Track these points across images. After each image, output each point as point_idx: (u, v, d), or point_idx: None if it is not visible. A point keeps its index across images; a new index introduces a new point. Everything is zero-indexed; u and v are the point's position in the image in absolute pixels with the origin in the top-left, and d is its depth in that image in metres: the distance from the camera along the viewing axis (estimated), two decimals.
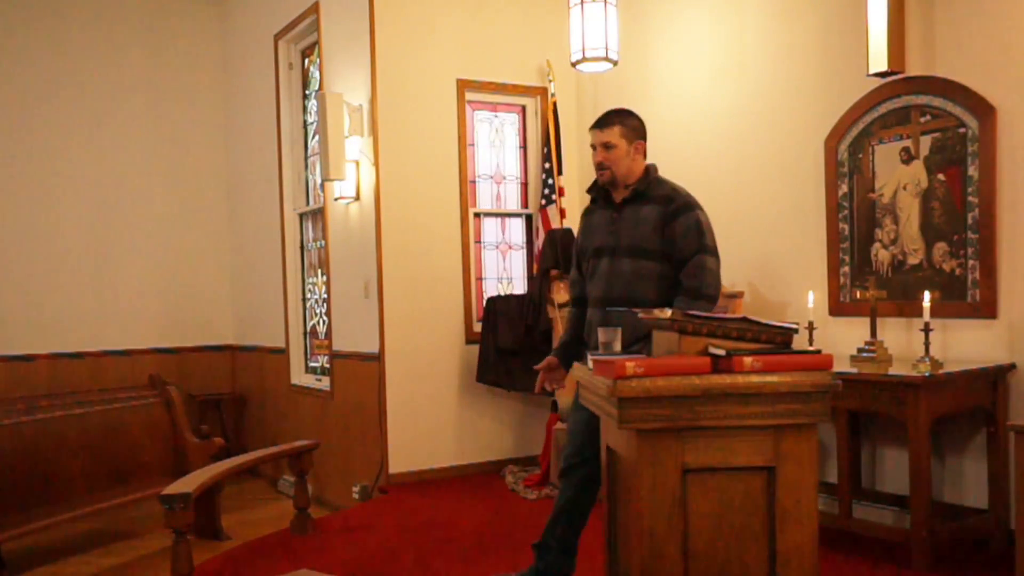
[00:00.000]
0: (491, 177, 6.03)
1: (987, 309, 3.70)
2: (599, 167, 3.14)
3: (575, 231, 5.66)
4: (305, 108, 6.82)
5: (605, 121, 3.15)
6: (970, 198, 3.76)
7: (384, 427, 5.37)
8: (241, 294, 7.78)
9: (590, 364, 2.33)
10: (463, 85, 5.70)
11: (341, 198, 5.76)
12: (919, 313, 3.69)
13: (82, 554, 5.19)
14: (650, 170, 3.15)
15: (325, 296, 6.29)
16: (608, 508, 2.44)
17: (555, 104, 5.85)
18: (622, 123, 3.12)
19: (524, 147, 6.14)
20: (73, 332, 7.13)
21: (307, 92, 6.79)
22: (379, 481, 5.39)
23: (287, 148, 6.82)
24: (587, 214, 3.34)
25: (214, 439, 5.77)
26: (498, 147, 6.05)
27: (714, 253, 3.01)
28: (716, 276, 3.00)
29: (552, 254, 5.55)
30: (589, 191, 3.29)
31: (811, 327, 4.07)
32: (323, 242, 6.25)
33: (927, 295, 3.65)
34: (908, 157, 4.01)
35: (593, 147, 3.16)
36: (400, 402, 5.40)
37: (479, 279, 5.91)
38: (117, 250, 7.39)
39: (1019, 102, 3.61)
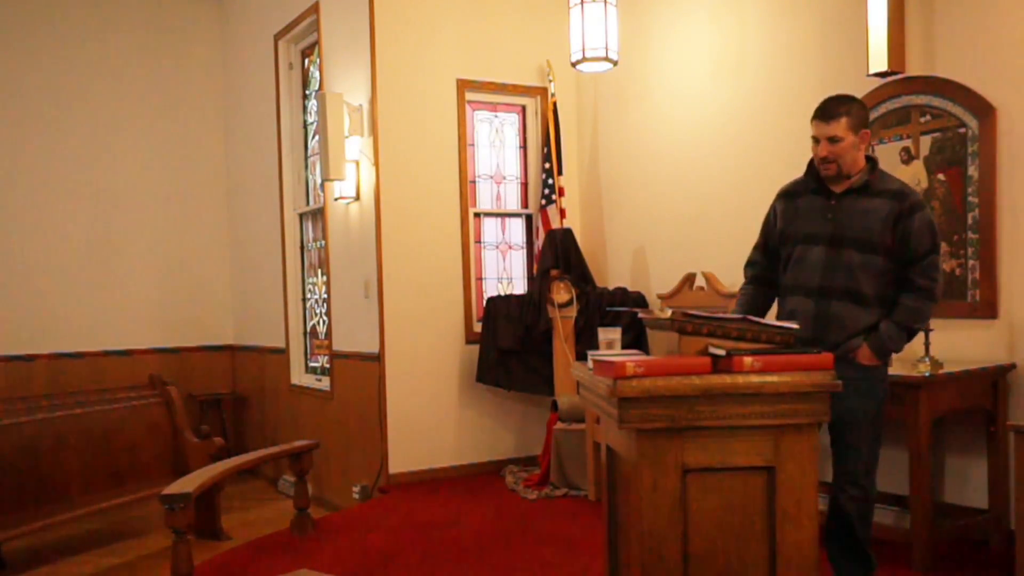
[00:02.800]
0: (491, 177, 6.03)
1: (987, 309, 3.70)
2: (823, 161, 2.91)
3: (575, 231, 5.76)
4: (305, 108, 6.82)
5: (831, 112, 2.90)
6: (970, 198, 3.76)
7: (384, 427, 5.37)
8: (241, 294, 7.78)
9: (590, 364, 2.33)
10: (463, 85, 5.70)
11: (341, 198, 5.76)
12: None
13: (82, 554, 5.19)
14: (875, 161, 2.97)
15: (325, 296, 6.29)
16: (608, 508, 2.44)
17: (555, 104, 5.85)
18: (849, 114, 2.87)
19: (524, 147, 6.14)
20: (73, 332, 7.13)
21: (307, 92, 6.79)
22: (379, 481, 5.39)
23: (287, 148, 6.82)
24: (790, 197, 3.09)
25: (214, 439, 5.77)
26: (498, 147, 6.05)
27: (940, 253, 2.94)
28: (942, 276, 3.00)
29: (552, 254, 5.55)
30: (807, 175, 3.05)
31: None
32: (323, 242, 6.25)
33: None
34: (908, 157, 4.00)
35: (815, 139, 2.92)
36: (400, 402, 5.40)
37: (479, 279, 5.91)
38: (117, 250, 7.39)
39: (1019, 102, 3.61)
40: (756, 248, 3.23)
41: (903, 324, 2.88)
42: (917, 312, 2.88)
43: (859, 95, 4.16)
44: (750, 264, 3.26)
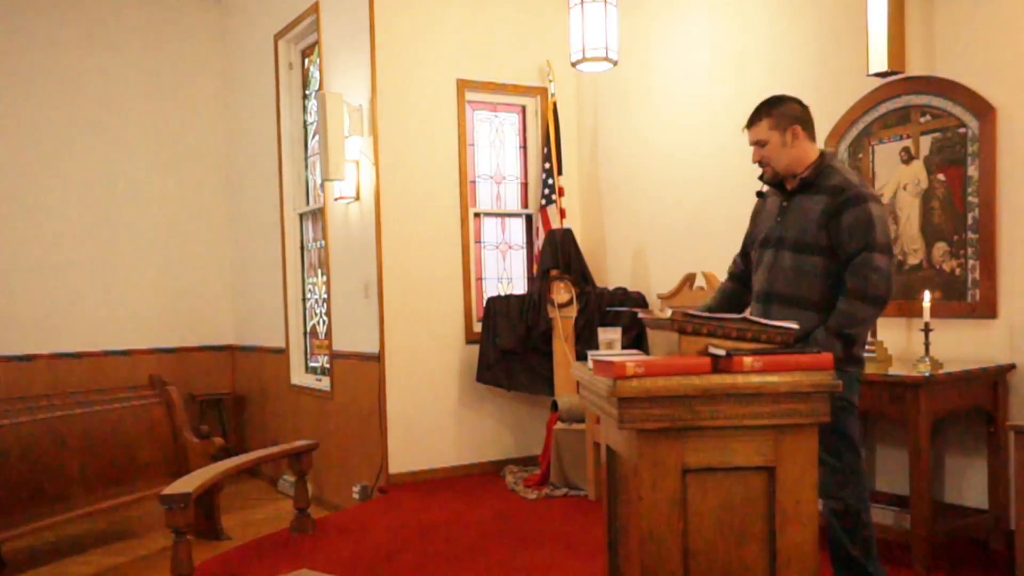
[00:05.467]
0: (491, 177, 6.03)
1: (987, 309, 3.70)
2: (759, 165, 2.98)
3: (575, 231, 5.75)
4: (305, 108, 6.82)
5: (751, 118, 2.98)
6: (970, 198, 3.76)
7: (384, 427, 5.37)
8: (241, 294, 7.77)
9: (590, 364, 2.33)
10: (463, 85, 5.70)
11: (341, 198, 5.76)
12: (919, 313, 3.69)
13: (82, 554, 5.19)
14: (824, 157, 2.91)
15: (325, 296, 6.29)
16: (608, 508, 2.44)
17: (555, 104, 5.85)
18: (769, 115, 2.92)
19: (524, 147, 6.14)
20: (73, 332, 7.14)
21: (307, 92, 6.79)
22: (379, 481, 5.39)
23: (287, 148, 6.82)
24: (762, 197, 3.14)
25: (214, 439, 5.77)
26: (498, 147, 6.05)
27: (885, 251, 2.75)
28: (885, 275, 2.74)
29: (552, 254, 5.55)
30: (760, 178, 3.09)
31: None
32: (323, 242, 6.25)
33: (927, 295, 3.65)
34: (908, 157, 4.00)
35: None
36: (400, 402, 5.40)
37: (479, 279, 5.91)
38: (117, 250, 7.39)
39: (1019, 102, 3.60)
40: (740, 251, 3.28)
41: (834, 330, 2.75)
42: (848, 317, 2.74)
43: (859, 95, 4.18)
44: (733, 263, 3.31)
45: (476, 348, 5.56)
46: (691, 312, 2.13)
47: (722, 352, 2.03)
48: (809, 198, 2.86)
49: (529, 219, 6.13)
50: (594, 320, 5.31)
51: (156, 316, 7.54)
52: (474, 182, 5.90)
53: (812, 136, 2.95)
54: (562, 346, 5.42)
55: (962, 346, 3.79)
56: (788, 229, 2.89)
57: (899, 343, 3.99)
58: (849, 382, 2.77)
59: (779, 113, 2.90)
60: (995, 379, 3.61)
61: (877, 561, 2.87)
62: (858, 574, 2.85)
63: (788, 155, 2.90)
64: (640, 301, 5.45)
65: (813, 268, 2.81)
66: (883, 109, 4.09)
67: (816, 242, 2.81)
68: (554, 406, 5.28)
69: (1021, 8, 3.60)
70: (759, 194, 3.13)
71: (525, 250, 6.14)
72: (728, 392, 1.96)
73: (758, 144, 2.94)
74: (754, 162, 2.98)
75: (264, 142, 7.05)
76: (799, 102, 2.96)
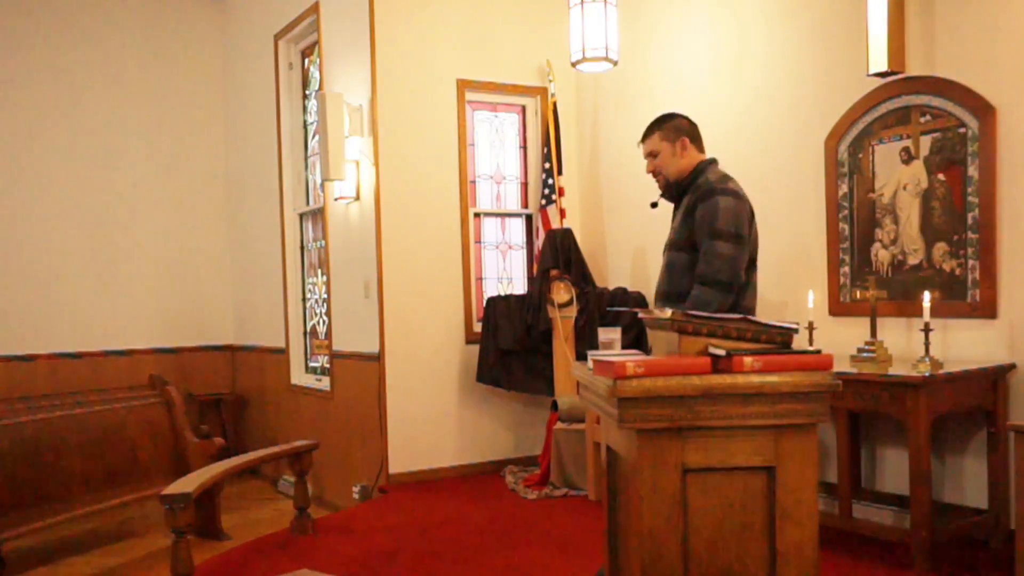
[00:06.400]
0: (491, 177, 6.03)
1: (987, 309, 3.70)
2: (653, 176, 3.23)
3: (575, 231, 5.75)
4: (305, 108, 6.82)
5: (644, 133, 3.25)
6: (970, 198, 3.76)
7: (384, 427, 5.37)
8: (241, 294, 7.78)
9: (590, 364, 2.33)
10: (463, 85, 5.70)
11: (341, 198, 5.76)
12: (919, 313, 3.69)
13: (82, 554, 5.19)
14: (699, 164, 3.16)
15: (325, 296, 6.29)
16: (608, 508, 2.44)
17: (555, 104, 5.85)
18: (660, 128, 3.20)
19: (524, 147, 6.14)
20: (73, 332, 7.13)
21: (307, 92, 6.79)
22: (379, 481, 5.40)
23: (287, 148, 6.82)
24: (654, 207, 3.45)
25: (214, 439, 5.77)
26: (498, 147, 6.05)
27: (728, 238, 2.94)
28: (729, 261, 2.93)
29: (552, 254, 5.55)
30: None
31: (811, 327, 4.07)
32: (323, 242, 6.25)
33: (927, 295, 3.65)
34: (908, 157, 4.01)
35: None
36: (400, 402, 5.40)
37: (479, 279, 5.91)
38: (117, 250, 7.39)
39: (1019, 102, 3.61)
40: None
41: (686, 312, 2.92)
42: (696, 301, 2.91)
43: (859, 95, 4.19)
44: None
45: (476, 348, 5.56)
46: (691, 312, 2.13)
47: (722, 352, 2.03)
48: (684, 200, 3.13)
49: (529, 219, 6.13)
50: (594, 320, 5.31)
51: (156, 316, 7.54)
52: (474, 182, 5.90)
53: (700, 148, 3.22)
54: (562, 346, 5.42)
55: (962, 346, 3.79)
56: (672, 232, 3.16)
57: (899, 343, 4.00)
58: None
59: (669, 127, 3.19)
60: (995, 379, 3.62)
61: None
62: None
63: (677, 165, 3.17)
64: (640, 301, 5.45)
65: (682, 263, 3.05)
66: (883, 109, 4.09)
67: (683, 238, 3.05)
68: (554, 406, 5.28)
69: (1021, 8, 3.60)
70: (653, 204, 3.39)
71: (525, 250, 6.15)
72: (728, 392, 1.96)
73: (651, 155, 3.22)
74: (647, 172, 3.26)
75: (264, 142, 7.05)
76: (687, 118, 3.24)
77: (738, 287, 2.95)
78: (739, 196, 3.02)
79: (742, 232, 2.97)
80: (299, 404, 6.60)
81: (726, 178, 3.09)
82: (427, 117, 5.57)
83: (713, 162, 3.18)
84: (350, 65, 5.70)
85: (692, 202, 3.04)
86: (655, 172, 3.22)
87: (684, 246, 3.05)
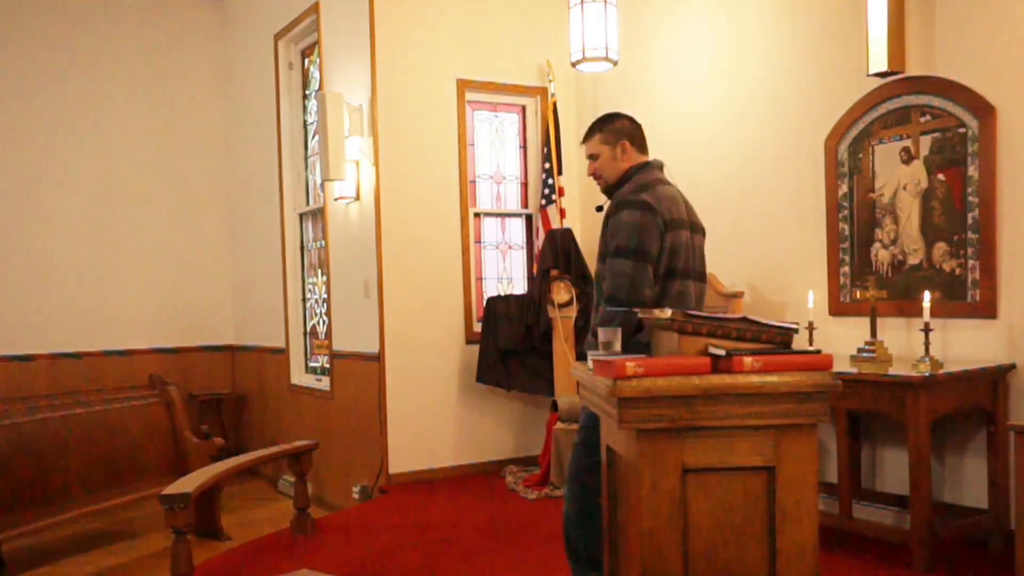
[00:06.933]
0: (491, 177, 6.03)
1: (987, 309, 3.70)
2: (594, 178, 3.15)
3: (575, 231, 5.75)
4: (305, 108, 6.82)
5: (586, 134, 3.16)
6: (970, 198, 3.76)
7: (384, 427, 5.37)
8: (241, 294, 7.78)
9: (590, 364, 2.33)
10: (463, 85, 5.70)
11: (341, 198, 5.76)
12: (919, 313, 3.69)
13: (82, 554, 5.19)
14: (629, 170, 3.05)
15: (325, 296, 6.29)
16: (608, 508, 2.44)
17: (555, 104, 5.85)
18: (601, 130, 3.10)
19: (524, 147, 6.14)
20: (73, 332, 7.13)
21: (307, 92, 6.79)
22: (379, 481, 5.39)
23: (287, 148, 6.82)
24: (599, 210, 3.30)
25: (214, 439, 5.77)
26: (498, 147, 6.05)
27: (627, 254, 2.80)
28: (630, 278, 2.79)
29: (552, 254, 5.55)
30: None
31: (811, 327, 4.08)
32: (323, 242, 6.25)
33: (927, 295, 3.65)
34: (908, 157, 4.01)
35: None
36: (400, 402, 5.40)
37: (479, 279, 5.91)
38: (117, 250, 7.39)
39: (1019, 102, 3.61)
40: None
41: (592, 331, 2.84)
42: (602, 318, 2.82)
43: (859, 95, 4.18)
44: None
45: (476, 348, 5.56)
46: (691, 312, 2.13)
47: (722, 352, 2.03)
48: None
49: (529, 219, 6.13)
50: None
51: (156, 316, 7.54)
52: (474, 182, 5.90)
53: (641, 150, 3.11)
54: (562, 346, 5.42)
55: (962, 346, 3.79)
56: (600, 240, 3.05)
57: (899, 343, 4.00)
58: None
59: (610, 129, 3.09)
60: (995, 379, 3.62)
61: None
62: (576, 558, 3.10)
63: (617, 168, 3.07)
64: None
65: (602, 273, 2.95)
66: (883, 109, 4.09)
67: (602, 249, 2.96)
68: (554, 406, 5.28)
69: (1021, 8, 3.60)
70: (598, 208, 3.25)
71: (525, 250, 6.14)
72: (728, 392, 1.96)
73: (591, 158, 3.12)
74: (588, 175, 3.16)
75: (264, 142, 7.05)
76: (630, 119, 3.14)
77: (641, 303, 2.79)
78: (647, 208, 2.83)
79: (644, 247, 2.80)
80: (299, 404, 6.60)
81: (645, 186, 2.92)
82: (427, 117, 5.57)
83: (645, 166, 3.05)
84: (350, 65, 5.70)
85: (607, 213, 2.95)
86: (595, 175, 3.12)
87: (603, 255, 2.96)
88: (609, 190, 3.11)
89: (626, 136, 3.09)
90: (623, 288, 2.80)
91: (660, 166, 3.10)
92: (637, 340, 2.71)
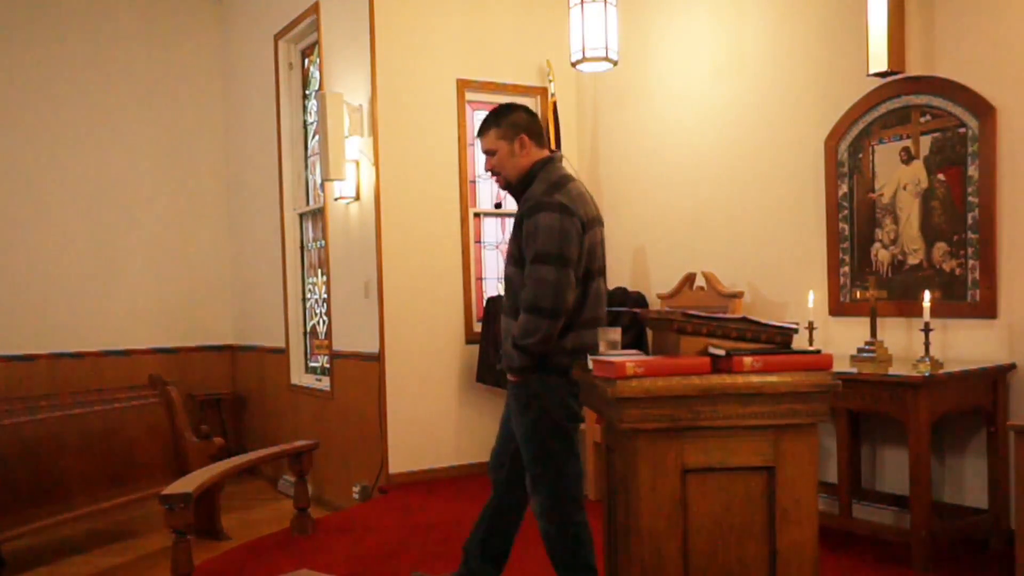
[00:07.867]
0: (491, 177, 6.01)
1: (987, 309, 3.70)
2: (492, 175, 3.03)
3: None
4: (305, 108, 6.82)
5: (480, 128, 3.01)
6: (970, 198, 3.76)
7: (384, 427, 5.37)
8: (241, 294, 7.78)
9: (590, 364, 2.33)
10: (463, 85, 5.70)
11: (341, 198, 5.76)
12: (919, 313, 3.69)
13: (82, 554, 5.19)
14: (534, 166, 2.93)
15: (325, 296, 6.29)
16: (608, 508, 2.44)
17: (555, 104, 5.85)
18: (497, 124, 2.95)
19: None
20: (73, 332, 7.14)
21: (307, 92, 6.79)
22: (379, 481, 5.39)
23: (287, 148, 6.82)
24: (498, 207, 3.40)
25: (214, 439, 5.77)
26: None
27: (550, 261, 2.70)
28: (553, 286, 2.69)
29: None
30: None
31: (811, 327, 4.07)
32: (323, 242, 6.25)
33: (927, 295, 3.65)
34: (908, 157, 4.01)
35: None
36: (400, 402, 5.40)
37: (479, 279, 5.91)
38: (117, 250, 7.39)
39: (1019, 102, 3.61)
40: None
41: (512, 341, 2.77)
42: (521, 328, 2.73)
43: (859, 95, 4.18)
44: None
45: (476, 348, 5.56)
46: (691, 312, 2.13)
47: (722, 352, 2.03)
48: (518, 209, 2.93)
49: None
50: None
51: (156, 316, 7.54)
52: (474, 182, 5.90)
53: (540, 144, 2.98)
54: None
55: (962, 346, 3.79)
56: (509, 242, 2.96)
57: (899, 343, 4.00)
58: (549, 392, 2.81)
59: (506, 123, 2.93)
60: (995, 379, 3.62)
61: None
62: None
63: (517, 165, 2.95)
64: (640, 301, 5.45)
65: (519, 279, 2.83)
66: (883, 109, 4.09)
67: (516, 252, 2.85)
68: None
69: (1021, 8, 3.60)
70: (496, 205, 3.20)
71: None
72: (728, 392, 1.96)
73: (488, 153, 2.98)
74: (486, 171, 3.03)
75: (264, 142, 7.05)
76: (527, 111, 2.99)
77: (565, 310, 2.73)
78: (565, 209, 2.74)
79: (565, 252, 2.71)
80: (299, 404, 6.60)
81: (557, 185, 2.83)
82: (427, 117, 5.57)
83: (549, 162, 2.93)
84: (350, 65, 5.70)
85: (519, 214, 2.83)
86: (493, 171, 2.99)
87: (517, 260, 2.84)
88: (511, 188, 3.00)
89: (524, 130, 2.94)
90: (547, 296, 2.69)
91: (561, 159, 2.99)
92: (576, 348, 2.71)
